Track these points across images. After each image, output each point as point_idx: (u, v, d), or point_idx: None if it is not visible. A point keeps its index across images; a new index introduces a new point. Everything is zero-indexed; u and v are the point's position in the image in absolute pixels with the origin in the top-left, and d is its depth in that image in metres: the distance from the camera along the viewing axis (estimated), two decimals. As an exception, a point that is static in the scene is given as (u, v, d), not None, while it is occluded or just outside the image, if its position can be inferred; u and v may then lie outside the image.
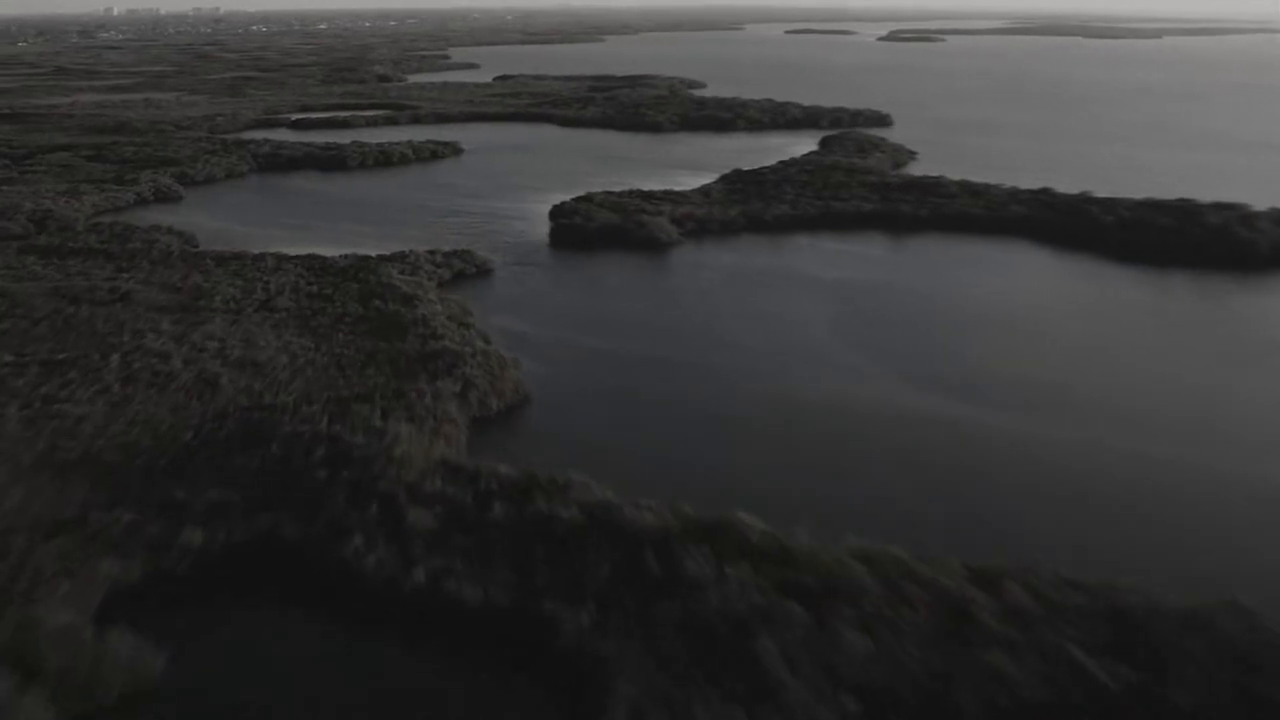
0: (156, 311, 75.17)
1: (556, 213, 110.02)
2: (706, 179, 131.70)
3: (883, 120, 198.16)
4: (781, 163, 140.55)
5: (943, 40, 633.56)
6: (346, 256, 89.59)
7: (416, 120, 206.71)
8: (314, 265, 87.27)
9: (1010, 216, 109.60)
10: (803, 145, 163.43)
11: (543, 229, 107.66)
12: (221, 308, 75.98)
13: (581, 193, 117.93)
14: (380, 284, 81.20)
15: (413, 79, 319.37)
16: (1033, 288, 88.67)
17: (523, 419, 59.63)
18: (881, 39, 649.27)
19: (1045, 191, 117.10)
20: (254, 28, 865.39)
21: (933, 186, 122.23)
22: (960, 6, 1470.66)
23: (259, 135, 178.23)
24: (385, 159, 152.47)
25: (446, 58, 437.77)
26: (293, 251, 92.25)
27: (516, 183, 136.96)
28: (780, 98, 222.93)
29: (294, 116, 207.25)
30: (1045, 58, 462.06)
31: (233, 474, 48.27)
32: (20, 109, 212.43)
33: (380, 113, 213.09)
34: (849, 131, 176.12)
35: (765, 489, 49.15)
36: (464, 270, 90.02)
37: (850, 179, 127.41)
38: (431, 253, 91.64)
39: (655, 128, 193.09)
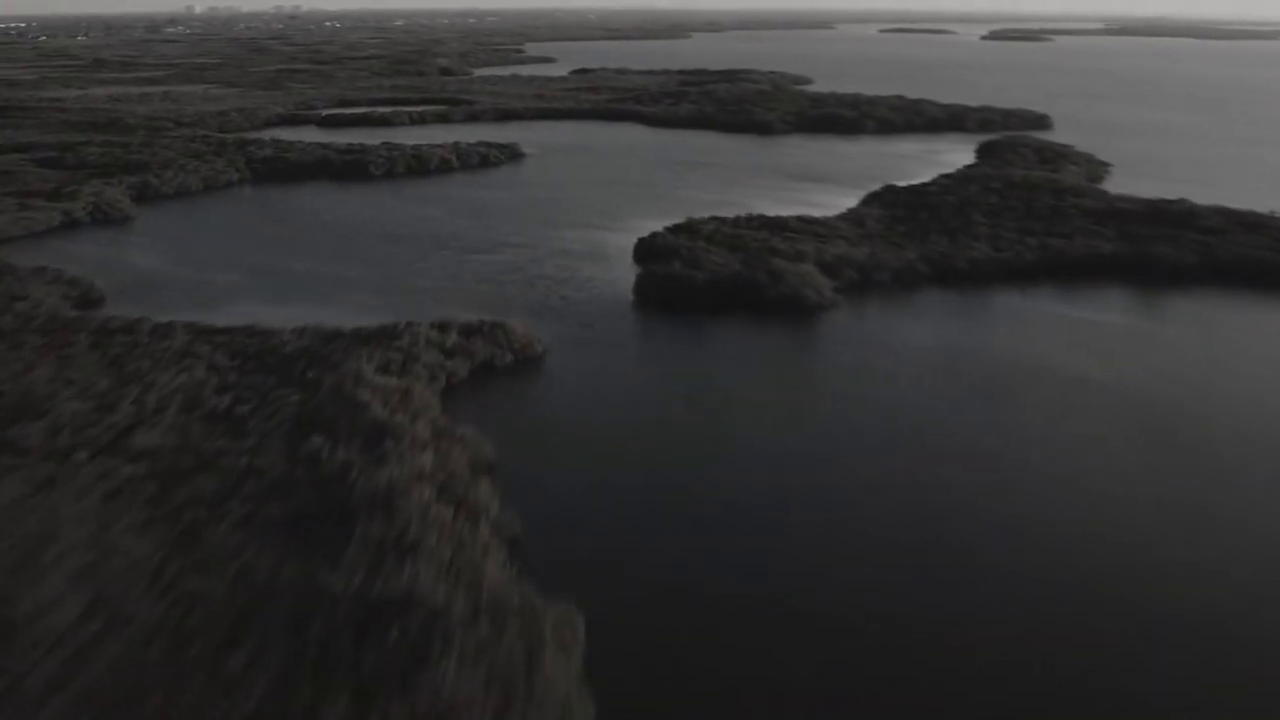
0: (-86, 454, 40.72)
1: (645, 252, 74.88)
2: (849, 199, 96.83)
3: (1040, 122, 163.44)
4: (946, 177, 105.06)
5: (1049, 40, 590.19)
6: (302, 332, 54.44)
7: (472, 117, 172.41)
8: (244, 349, 52.56)
9: (1318, 266, 74.22)
10: (955, 152, 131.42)
11: (624, 276, 71.59)
12: (37, 446, 41.33)
13: (680, 219, 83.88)
14: (339, 395, 46.02)
15: (479, 73, 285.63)
16: None
17: None
18: (984, 38, 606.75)
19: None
20: (327, 24, 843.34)
21: (1185, 216, 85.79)
22: (1048, 9, 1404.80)
23: (276, 134, 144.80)
24: (419, 165, 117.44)
25: (520, 51, 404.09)
26: (225, 319, 58.32)
27: (588, 201, 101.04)
28: (903, 95, 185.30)
29: (325, 112, 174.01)
30: (1165, 57, 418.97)
31: None
32: (18, 102, 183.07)
33: (431, 108, 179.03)
34: (1017, 136, 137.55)
35: None
36: (492, 358, 54.09)
37: (1061, 203, 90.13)
38: (442, 328, 55.55)
39: (764, 128, 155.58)
